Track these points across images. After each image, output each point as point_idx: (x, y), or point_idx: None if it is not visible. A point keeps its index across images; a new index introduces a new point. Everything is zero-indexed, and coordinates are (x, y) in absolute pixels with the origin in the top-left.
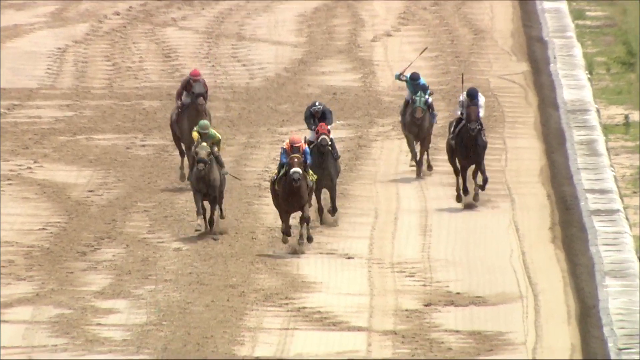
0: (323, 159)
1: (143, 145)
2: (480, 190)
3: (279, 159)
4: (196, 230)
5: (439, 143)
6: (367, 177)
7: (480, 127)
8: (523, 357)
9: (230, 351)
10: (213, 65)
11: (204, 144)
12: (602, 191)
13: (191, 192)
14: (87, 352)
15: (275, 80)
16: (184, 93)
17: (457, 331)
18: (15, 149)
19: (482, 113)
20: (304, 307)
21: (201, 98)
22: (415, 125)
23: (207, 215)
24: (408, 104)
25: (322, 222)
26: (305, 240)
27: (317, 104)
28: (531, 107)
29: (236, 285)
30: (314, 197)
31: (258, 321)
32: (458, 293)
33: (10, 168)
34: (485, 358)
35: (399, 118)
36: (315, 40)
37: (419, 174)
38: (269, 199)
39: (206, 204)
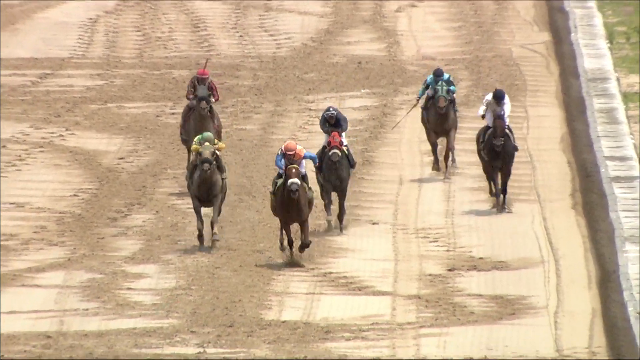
0: (335, 170)
1: (172, 113)
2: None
3: (284, 161)
4: (199, 240)
5: (463, 111)
6: (392, 145)
7: (505, 140)
8: (545, 321)
9: (258, 315)
10: (241, 35)
11: (207, 143)
12: (622, 158)
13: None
14: (118, 315)
15: (301, 50)
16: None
17: (480, 295)
18: (47, 117)
19: (507, 112)
20: (330, 272)
21: (204, 102)
22: (439, 121)
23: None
24: (430, 99)
25: (331, 226)
26: (302, 251)
27: (330, 109)
28: (552, 76)
29: (263, 250)
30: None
31: (285, 286)
32: (481, 258)
33: (43, 136)
34: (508, 322)
35: (420, 116)
36: (340, 11)
37: (445, 173)
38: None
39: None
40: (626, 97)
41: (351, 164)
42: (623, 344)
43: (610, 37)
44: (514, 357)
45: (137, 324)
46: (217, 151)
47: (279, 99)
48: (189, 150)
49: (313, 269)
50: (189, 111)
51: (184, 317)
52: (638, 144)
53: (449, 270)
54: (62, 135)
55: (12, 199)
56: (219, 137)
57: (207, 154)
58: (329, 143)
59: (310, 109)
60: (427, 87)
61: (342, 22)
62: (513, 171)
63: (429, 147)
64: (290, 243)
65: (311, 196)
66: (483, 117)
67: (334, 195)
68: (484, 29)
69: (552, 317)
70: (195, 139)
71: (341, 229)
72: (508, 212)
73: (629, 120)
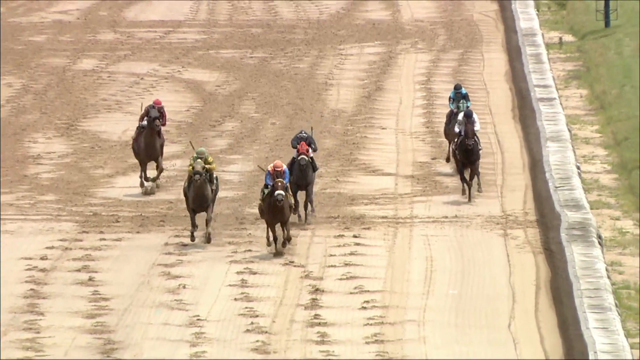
0: (303, 171)
1: (251, 57)
2: (477, 190)
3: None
4: (191, 240)
5: (440, 55)
6: (395, 77)
7: (475, 142)
8: (495, 192)
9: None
10: (296, 5)
11: (199, 160)
12: (545, 86)
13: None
14: (221, 190)
15: (336, 15)
16: (145, 118)
17: (452, 176)
18: (170, 59)
19: (477, 127)
20: (354, 160)
21: (157, 120)
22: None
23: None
24: (452, 114)
25: (300, 218)
26: (285, 246)
27: (302, 132)
28: (499, 32)
29: None
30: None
31: (324, 168)
32: (460, 135)
33: (167, 71)
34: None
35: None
36: None
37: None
38: (332, 92)
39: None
40: (548, 46)
41: (315, 168)
42: (546, 207)
43: (537, 6)
44: (475, 215)
45: (228, 194)
46: (209, 167)
47: (321, 47)
48: (141, 164)
49: (341, 157)
50: (140, 131)
51: (259, 191)
52: (555, 76)
53: (432, 159)
54: (179, 71)
55: None
56: (161, 151)
57: (198, 167)
58: (297, 150)
59: (341, 54)
60: (451, 101)
61: None
62: (474, 95)
63: (422, 78)
64: (276, 240)
65: (291, 202)
66: (459, 132)
67: (302, 195)
68: (454, 2)
69: (500, 189)
70: (194, 155)
71: (309, 216)
72: (478, 196)
73: (550, 61)
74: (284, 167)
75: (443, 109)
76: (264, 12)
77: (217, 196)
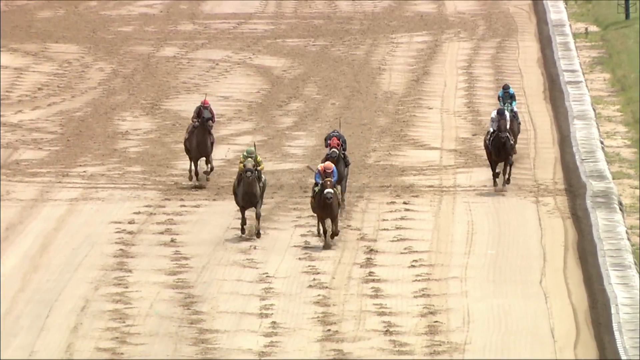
0: (336, 164)
1: (313, 45)
2: (507, 183)
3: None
4: (242, 233)
5: (480, 43)
6: (440, 63)
7: (508, 135)
8: (528, 164)
9: (362, 159)
10: (353, 1)
11: (250, 158)
12: (573, 71)
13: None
14: (282, 162)
15: (387, 8)
16: (195, 119)
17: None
18: (242, 47)
19: (508, 122)
20: (405, 135)
21: (210, 122)
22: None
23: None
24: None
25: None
26: (333, 238)
27: (335, 132)
28: (532, 24)
29: (366, 123)
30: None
31: (377, 143)
32: (493, 131)
33: (239, 57)
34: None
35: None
36: None
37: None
38: (384, 76)
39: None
40: (575, 35)
41: (347, 164)
42: (573, 177)
43: (566, 0)
44: (510, 184)
45: (293, 165)
46: (258, 166)
47: (375, 37)
48: (190, 159)
49: (393, 134)
50: (193, 129)
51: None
52: (582, 62)
53: (473, 135)
54: (250, 57)
55: (221, 94)
56: (211, 148)
57: (249, 165)
58: (330, 145)
59: (393, 43)
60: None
61: None
62: (510, 78)
63: (464, 63)
64: (325, 232)
65: (340, 199)
66: (494, 131)
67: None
68: None
69: (532, 162)
70: (243, 153)
71: (343, 204)
72: (508, 187)
73: (577, 49)
74: (334, 168)
75: (482, 91)
76: (325, 6)
77: (264, 193)
